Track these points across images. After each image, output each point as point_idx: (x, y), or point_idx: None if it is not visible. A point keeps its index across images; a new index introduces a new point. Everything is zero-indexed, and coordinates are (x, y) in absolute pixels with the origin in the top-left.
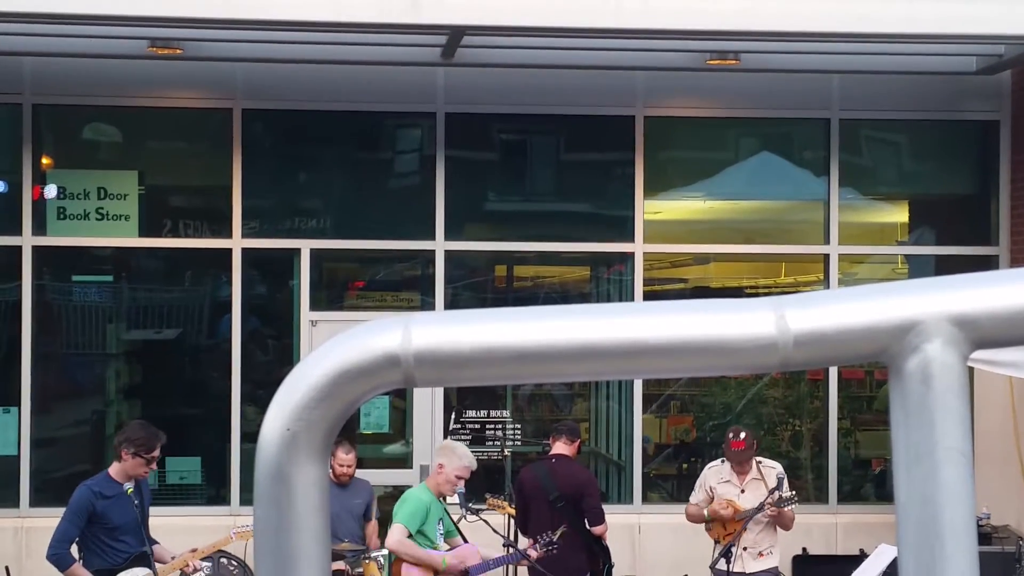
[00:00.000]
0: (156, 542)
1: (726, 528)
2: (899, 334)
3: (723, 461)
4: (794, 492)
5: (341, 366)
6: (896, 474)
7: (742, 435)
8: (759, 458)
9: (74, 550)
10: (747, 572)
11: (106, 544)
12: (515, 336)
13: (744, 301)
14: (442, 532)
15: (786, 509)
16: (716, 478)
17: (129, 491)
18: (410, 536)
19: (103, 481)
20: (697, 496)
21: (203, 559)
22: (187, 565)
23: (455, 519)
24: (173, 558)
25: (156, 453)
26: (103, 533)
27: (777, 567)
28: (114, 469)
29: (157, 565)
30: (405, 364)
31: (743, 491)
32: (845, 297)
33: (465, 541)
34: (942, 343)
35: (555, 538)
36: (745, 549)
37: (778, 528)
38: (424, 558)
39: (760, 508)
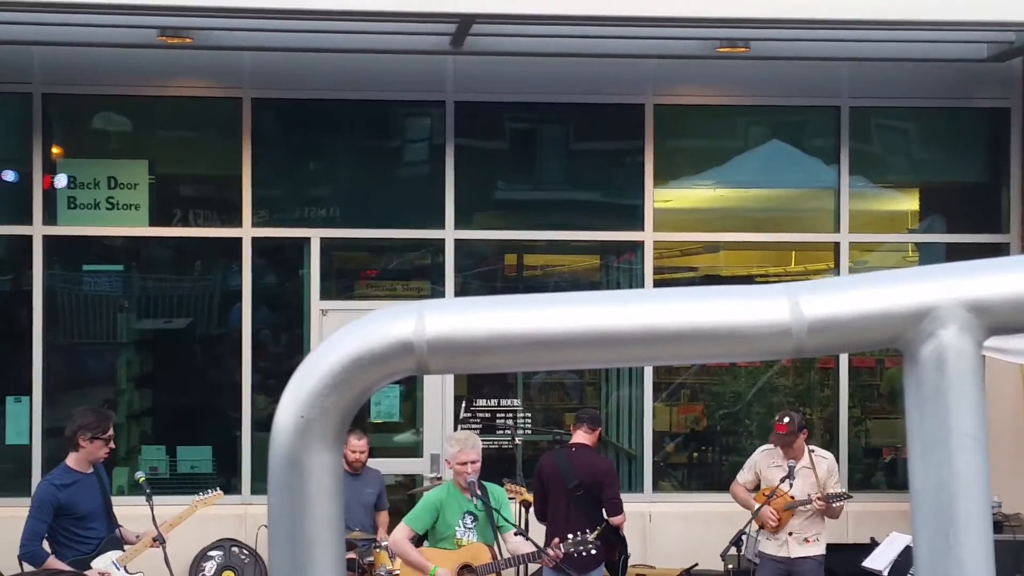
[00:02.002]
0: (119, 525)
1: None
2: (914, 320)
3: (776, 446)
4: (846, 491)
5: (355, 353)
6: (911, 461)
7: (786, 419)
8: (812, 447)
9: (46, 546)
10: (792, 557)
11: (76, 535)
12: (529, 323)
13: (758, 287)
14: (470, 527)
15: (835, 505)
16: (767, 462)
17: (142, 480)
18: (416, 537)
19: (62, 473)
20: (745, 476)
21: (216, 543)
22: (153, 543)
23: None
24: (138, 537)
25: (111, 432)
26: (72, 524)
27: (823, 554)
28: (72, 459)
29: (127, 546)
30: (419, 351)
31: (794, 479)
32: (859, 284)
33: (525, 537)
34: (957, 329)
35: (591, 538)
36: (791, 534)
37: (825, 517)
38: (415, 563)
39: (807, 501)
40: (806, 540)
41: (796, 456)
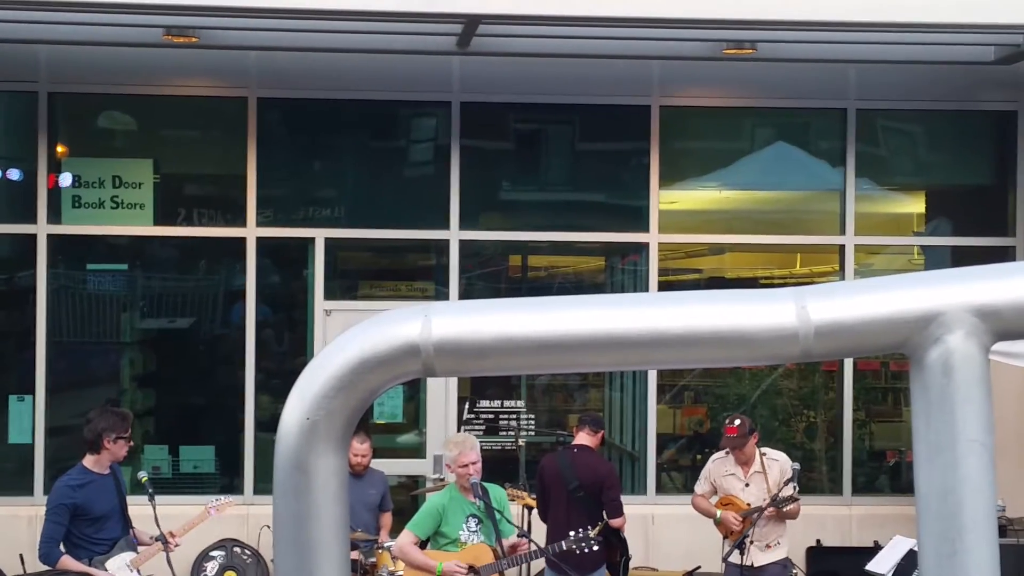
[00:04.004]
0: (132, 526)
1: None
2: (921, 325)
3: (727, 453)
4: (794, 494)
5: (361, 356)
6: (917, 465)
7: (736, 422)
8: (764, 449)
9: (61, 546)
10: (755, 565)
11: (89, 537)
12: (535, 326)
13: (765, 292)
14: (474, 530)
15: (785, 509)
16: (721, 470)
17: (144, 480)
18: (422, 542)
19: (78, 474)
20: (702, 487)
21: (218, 543)
22: (169, 544)
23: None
24: (152, 539)
25: (130, 431)
26: (86, 525)
27: (787, 557)
28: (90, 460)
29: (140, 548)
30: (425, 354)
31: (747, 484)
32: (866, 288)
33: (527, 537)
34: (964, 334)
35: (593, 534)
36: (752, 542)
37: (786, 519)
38: (420, 564)
39: (762, 510)
40: (767, 546)
41: (748, 460)
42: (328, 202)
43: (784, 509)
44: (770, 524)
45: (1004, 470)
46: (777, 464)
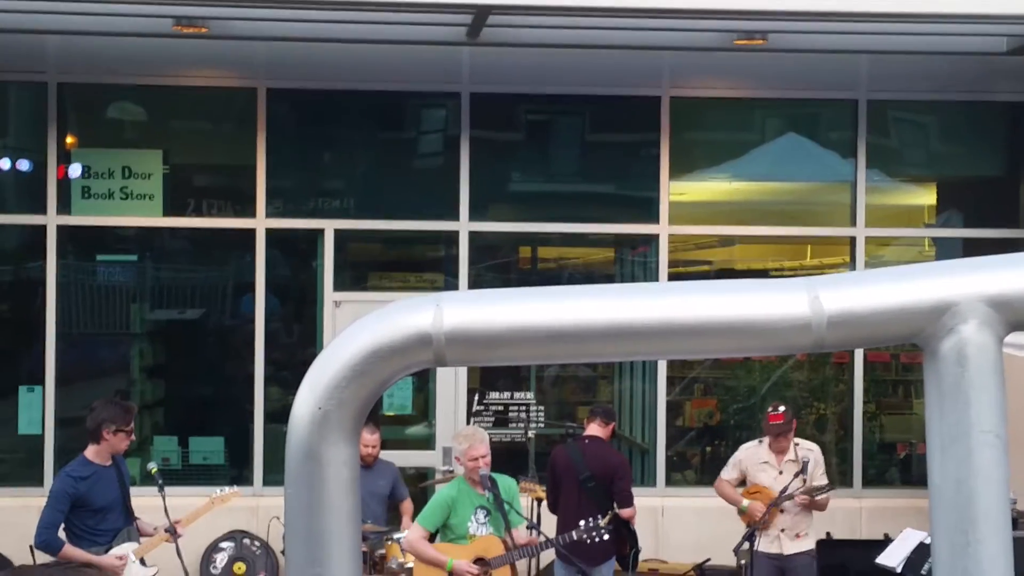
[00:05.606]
0: (137, 518)
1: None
2: (934, 315)
3: (760, 442)
4: (829, 482)
5: (373, 345)
6: (930, 456)
7: (780, 408)
8: (797, 440)
9: (62, 535)
10: (785, 553)
11: (92, 528)
12: (547, 316)
13: (778, 281)
14: (483, 522)
15: (819, 498)
16: (754, 459)
17: (154, 471)
18: (431, 535)
19: (80, 465)
20: (730, 473)
21: (227, 535)
22: (166, 535)
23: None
24: (155, 529)
25: (132, 424)
26: (88, 517)
27: (814, 548)
28: (91, 452)
29: (143, 539)
30: (437, 343)
31: (781, 473)
32: (879, 278)
33: (535, 528)
34: (977, 324)
35: (603, 523)
36: (783, 531)
37: (815, 510)
38: (431, 559)
39: (790, 496)
40: (797, 535)
41: (784, 449)
42: (337, 193)
43: (816, 498)
44: (801, 514)
45: (1017, 463)
46: (812, 455)
